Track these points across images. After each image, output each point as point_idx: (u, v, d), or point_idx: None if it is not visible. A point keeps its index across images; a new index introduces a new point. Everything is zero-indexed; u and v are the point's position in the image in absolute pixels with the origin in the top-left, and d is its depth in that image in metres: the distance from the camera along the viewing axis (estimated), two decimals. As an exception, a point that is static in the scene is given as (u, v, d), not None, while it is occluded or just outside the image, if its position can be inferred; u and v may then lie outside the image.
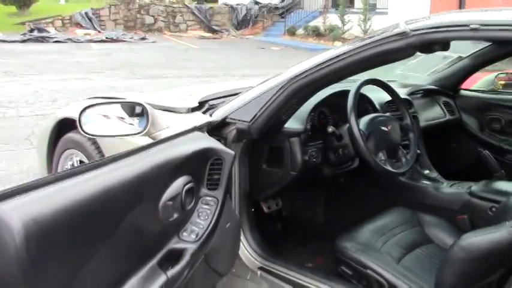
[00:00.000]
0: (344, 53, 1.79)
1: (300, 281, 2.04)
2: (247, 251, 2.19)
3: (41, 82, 9.73)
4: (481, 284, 1.65)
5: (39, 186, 1.07)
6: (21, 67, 11.56)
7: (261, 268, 2.15)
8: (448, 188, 2.61)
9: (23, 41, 17.01)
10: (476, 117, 3.59)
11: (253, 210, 2.29)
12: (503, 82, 3.89)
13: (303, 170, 2.19)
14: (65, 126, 2.68)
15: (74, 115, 2.46)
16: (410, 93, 3.19)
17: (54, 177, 1.13)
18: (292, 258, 2.21)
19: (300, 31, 20.23)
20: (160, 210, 1.43)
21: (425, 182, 2.70)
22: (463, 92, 3.65)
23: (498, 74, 3.87)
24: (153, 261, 1.42)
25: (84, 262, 1.13)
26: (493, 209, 2.24)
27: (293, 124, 2.22)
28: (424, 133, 3.09)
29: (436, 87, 3.51)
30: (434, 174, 2.86)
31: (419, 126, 2.98)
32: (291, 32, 20.56)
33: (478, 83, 3.89)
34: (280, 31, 21.39)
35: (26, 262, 0.97)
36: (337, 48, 1.89)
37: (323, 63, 1.83)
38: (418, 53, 1.74)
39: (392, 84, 2.67)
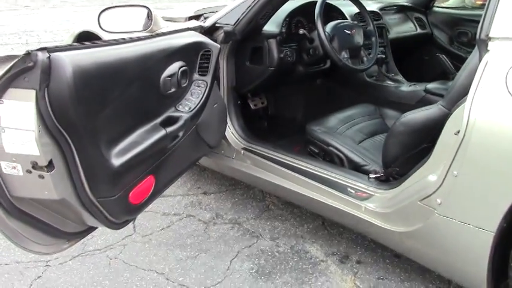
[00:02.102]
0: None
1: (275, 157, 2.49)
2: (233, 135, 2.64)
3: (56, 14, 10.13)
4: (415, 151, 2.01)
5: (82, 48, 1.53)
6: (39, 1, 11.92)
7: (244, 148, 2.60)
8: (407, 87, 3.05)
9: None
10: (446, 31, 3.96)
11: (239, 102, 2.74)
12: (480, 2, 4.20)
13: (279, 66, 2.63)
14: (83, 39, 3.11)
15: (90, 28, 2.92)
16: (382, 8, 3.58)
17: (91, 44, 1.58)
18: (270, 143, 2.64)
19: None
20: (161, 83, 1.89)
21: (389, 82, 3.15)
22: (435, 9, 4.01)
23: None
24: (156, 121, 1.89)
25: (107, 103, 1.60)
26: None
27: (270, 27, 2.65)
28: (395, 44, 3.51)
29: (409, 4, 3.89)
30: (400, 78, 3.29)
31: (387, 37, 3.39)
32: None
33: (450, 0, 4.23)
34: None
35: (73, 89, 1.43)
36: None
37: None
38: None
39: (368, 1, 3.05)
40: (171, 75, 1.92)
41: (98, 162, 1.61)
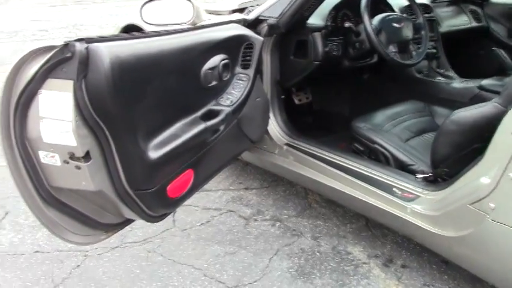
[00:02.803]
0: None
1: (318, 154, 2.42)
2: (276, 130, 2.58)
3: (104, 8, 10.43)
4: (466, 151, 1.90)
5: (121, 39, 1.51)
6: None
7: (287, 144, 2.53)
8: (459, 83, 2.91)
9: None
10: (504, 24, 3.75)
11: (283, 97, 2.68)
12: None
13: (325, 61, 2.54)
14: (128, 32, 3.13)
15: (135, 21, 2.93)
16: (434, 1, 3.43)
17: (131, 36, 1.56)
18: (315, 140, 2.55)
19: None
20: (202, 76, 1.85)
21: (440, 78, 3.01)
22: (492, 1, 3.81)
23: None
24: (196, 114, 1.86)
25: (146, 95, 1.58)
26: None
27: (315, 20, 2.57)
28: (447, 39, 3.35)
29: (464, -4, 3.71)
30: (451, 74, 3.14)
31: (438, 30, 3.24)
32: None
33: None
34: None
35: (110, 80, 1.41)
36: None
37: None
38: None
39: None
40: (212, 68, 1.88)
41: (135, 154, 1.59)
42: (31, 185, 1.52)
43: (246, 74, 2.11)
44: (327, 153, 2.40)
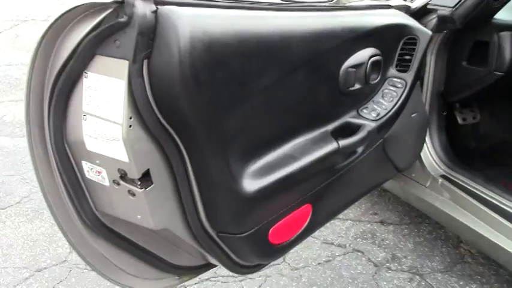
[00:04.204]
0: None
1: (484, 195, 1.80)
2: (430, 155, 2.01)
3: None
4: None
5: (214, 6, 1.01)
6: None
7: (443, 176, 1.96)
8: None
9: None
10: None
11: (444, 113, 2.07)
12: None
13: (511, 72, 1.88)
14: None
15: None
16: None
17: (230, 3, 1.07)
18: (480, 174, 1.97)
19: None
20: (340, 75, 1.33)
21: None
22: None
23: None
24: (324, 128, 1.34)
25: (248, 94, 1.08)
26: None
27: (507, 15, 1.90)
28: None
29: None
30: None
31: None
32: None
33: None
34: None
35: (187, 70, 0.93)
36: None
37: None
38: None
39: None
40: (356, 66, 1.37)
41: (224, 183, 1.10)
42: (72, 207, 1.09)
43: (402, 79, 1.58)
44: (496, 196, 1.80)
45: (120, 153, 0.97)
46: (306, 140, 1.29)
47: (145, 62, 0.93)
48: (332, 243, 2.21)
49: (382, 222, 2.39)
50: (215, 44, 0.97)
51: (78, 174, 1.07)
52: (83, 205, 1.10)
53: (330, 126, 1.37)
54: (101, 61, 0.95)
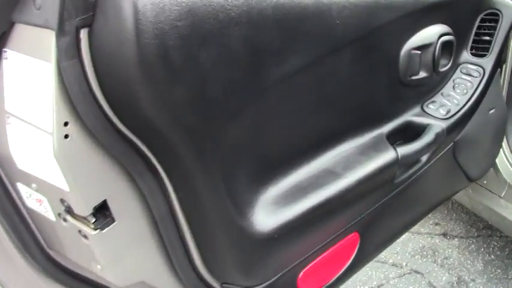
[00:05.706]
0: None
1: None
2: (507, 159, 1.70)
3: None
4: None
5: None
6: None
7: (523, 185, 1.66)
8: None
9: None
10: None
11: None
12: None
13: None
14: None
15: None
16: None
17: None
18: None
19: None
20: (400, 60, 1.01)
21: None
22: None
23: None
24: (380, 130, 1.04)
25: (262, 87, 0.76)
26: None
27: None
28: None
29: None
30: None
31: None
32: None
33: None
34: None
35: (152, 45, 0.61)
36: None
37: None
38: None
39: None
40: (422, 48, 1.06)
41: (226, 220, 0.80)
42: (12, 244, 0.79)
43: (479, 66, 1.30)
44: None
45: (56, 177, 0.68)
46: (351, 148, 1.00)
47: (83, 34, 0.62)
48: (385, 262, 1.96)
49: (444, 235, 2.11)
50: (201, 3, 0.65)
51: (17, 201, 0.79)
52: (26, 241, 0.81)
53: (386, 128, 1.08)
54: (21, 32, 0.65)
